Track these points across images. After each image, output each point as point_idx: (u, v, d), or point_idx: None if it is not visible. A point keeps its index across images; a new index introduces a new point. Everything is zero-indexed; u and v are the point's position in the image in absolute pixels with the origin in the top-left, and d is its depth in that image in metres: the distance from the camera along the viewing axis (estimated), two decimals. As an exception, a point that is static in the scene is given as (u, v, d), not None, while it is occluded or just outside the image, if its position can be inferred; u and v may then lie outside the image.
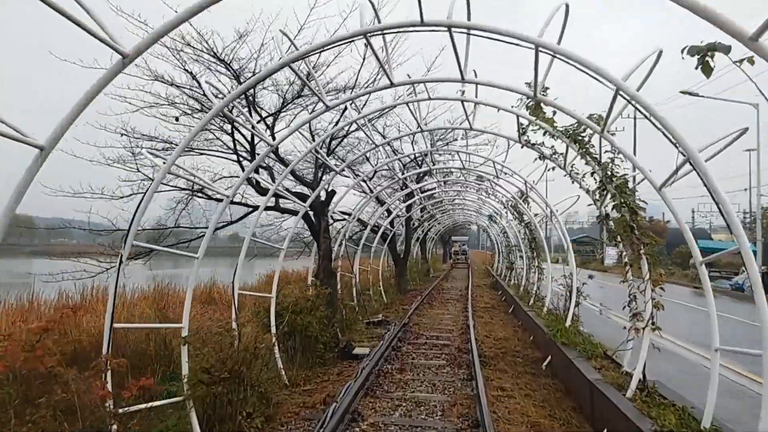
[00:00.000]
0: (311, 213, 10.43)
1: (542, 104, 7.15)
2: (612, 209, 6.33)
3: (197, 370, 5.77)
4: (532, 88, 5.57)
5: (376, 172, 18.45)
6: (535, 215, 13.60)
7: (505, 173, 11.85)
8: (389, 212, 19.23)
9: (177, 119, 8.48)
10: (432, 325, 13.73)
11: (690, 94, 27.98)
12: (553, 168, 7.96)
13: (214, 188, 6.97)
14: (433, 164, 16.96)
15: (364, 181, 13.27)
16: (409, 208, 20.95)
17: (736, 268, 32.15)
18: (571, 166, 7.67)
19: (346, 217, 13.04)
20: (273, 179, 10.95)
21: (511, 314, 16.41)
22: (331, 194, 10.33)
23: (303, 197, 10.38)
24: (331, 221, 15.80)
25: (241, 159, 9.96)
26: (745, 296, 25.88)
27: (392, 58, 10.09)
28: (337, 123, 11.01)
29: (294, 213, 10.68)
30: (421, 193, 19.71)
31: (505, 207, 16.18)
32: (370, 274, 18.49)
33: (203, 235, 11.01)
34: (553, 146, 7.74)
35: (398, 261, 22.04)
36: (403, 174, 15.58)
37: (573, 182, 7.79)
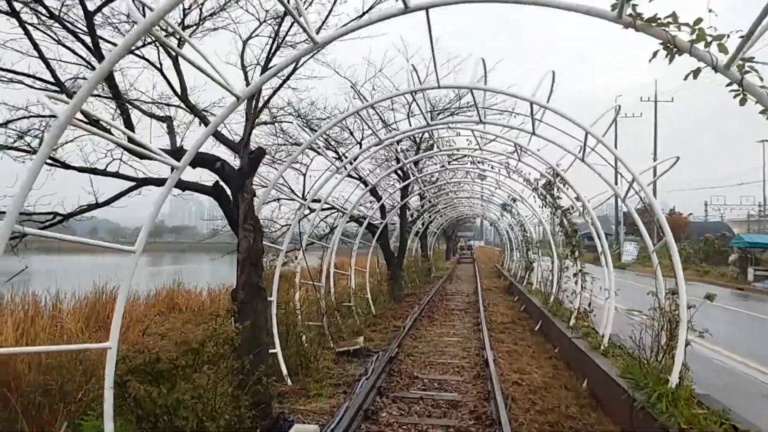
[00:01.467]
0: (225, 187, 6.16)
1: None
2: None
3: None
4: None
5: (362, 151, 14.25)
6: (578, 197, 9.27)
7: (538, 137, 7.54)
8: (376, 196, 15.02)
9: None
10: (432, 358, 9.46)
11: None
12: (695, 75, 3.65)
13: None
14: (434, 138, 12.74)
15: (329, 145, 9.03)
16: (404, 192, 16.67)
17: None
18: (748, 64, 3.36)
19: (302, 202, 8.81)
20: (175, 146, 6.70)
21: (539, 333, 12.16)
22: (257, 155, 6.04)
23: (227, 178, 6.14)
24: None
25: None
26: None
27: None
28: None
29: (207, 191, 6.43)
30: (419, 173, 15.44)
31: (533, 188, 11.86)
32: (352, 279, 14.23)
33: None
34: (698, 24, 3.44)
35: (391, 260, 17.77)
36: (387, 129, 11.28)
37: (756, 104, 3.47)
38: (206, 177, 7.06)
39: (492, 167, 12.35)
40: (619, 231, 50.48)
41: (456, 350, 10.14)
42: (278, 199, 14.86)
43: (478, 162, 12.82)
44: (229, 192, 6.16)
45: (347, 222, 16.26)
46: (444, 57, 16.25)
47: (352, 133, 15.51)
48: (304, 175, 13.33)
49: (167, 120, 6.82)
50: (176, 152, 5.69)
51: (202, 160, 6.00)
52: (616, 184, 8.25)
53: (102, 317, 13.18)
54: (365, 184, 16.07)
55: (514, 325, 13.21)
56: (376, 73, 13.60)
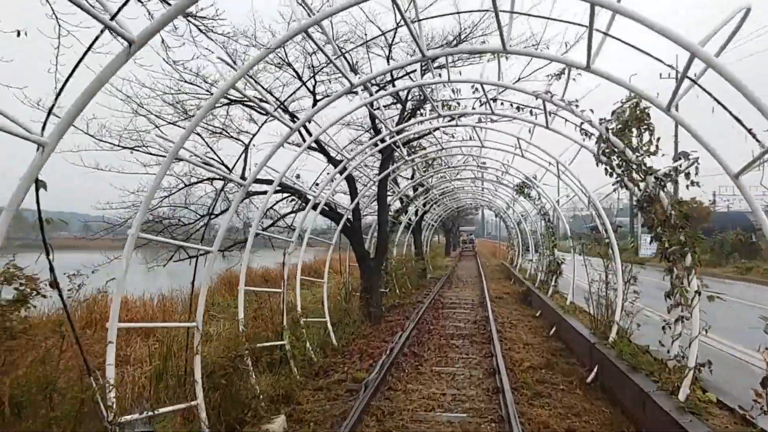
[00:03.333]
0: None
1: None
2: None
3: None
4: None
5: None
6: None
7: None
8: (330, 159, 10.00)
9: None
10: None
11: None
12: None
13: None
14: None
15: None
16: (386, 159, 11.52)
17: None
18: None
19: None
20: None
21: (599, 394, 7.08)
22: None
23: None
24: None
25: None
26: None
27: None
28: None
29: None
30: (401, 138, 10.26)
31: (599, 138, 6.60)
32: (298, 297, 9.11)
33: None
34: None
35: (366, 261, 12.59)
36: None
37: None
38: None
39: (520, 108, 7.16)
40: (636, 222, 45.54)
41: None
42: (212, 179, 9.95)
43: (493, 115, 7.64)
44: None
45: (297, 208, 11.16)
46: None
47: (299, 77, 10.46)
48: (246, 146, 8.53)
49: None
50: None
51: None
52: None
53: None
54: (328, 157, 10.99)
55: (552, 374, 8.07)
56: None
